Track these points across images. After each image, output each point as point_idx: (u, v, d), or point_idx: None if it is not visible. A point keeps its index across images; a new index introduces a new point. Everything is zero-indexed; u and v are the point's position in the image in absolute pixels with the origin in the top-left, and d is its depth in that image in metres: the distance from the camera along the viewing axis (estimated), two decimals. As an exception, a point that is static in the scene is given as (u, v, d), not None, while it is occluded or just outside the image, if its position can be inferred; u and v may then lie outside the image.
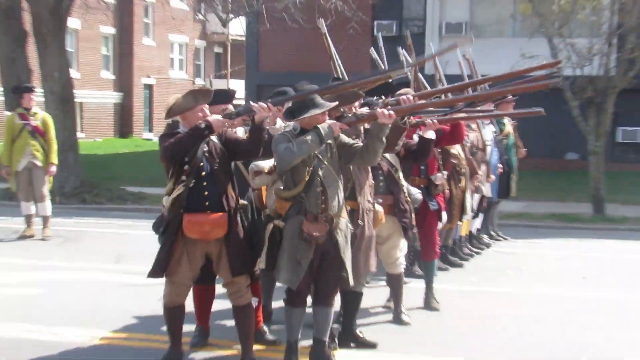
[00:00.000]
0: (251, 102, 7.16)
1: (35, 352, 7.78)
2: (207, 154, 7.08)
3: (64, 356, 7.76)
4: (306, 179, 6.97)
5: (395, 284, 9.17)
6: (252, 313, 7.51)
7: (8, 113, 14.82)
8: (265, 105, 6.90)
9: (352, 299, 8.13)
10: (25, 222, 14.30)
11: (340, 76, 9.26)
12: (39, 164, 13.87)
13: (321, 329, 7.37)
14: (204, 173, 7.03)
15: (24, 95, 14.01)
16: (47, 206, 14.17)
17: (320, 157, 7.04)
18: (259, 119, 6.91)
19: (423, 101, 7.87)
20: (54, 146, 14.14)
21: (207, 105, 7.17)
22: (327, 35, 9.63)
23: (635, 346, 8.48)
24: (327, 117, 7.14)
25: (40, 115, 14.13)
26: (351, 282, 7.25)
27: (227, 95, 8.05)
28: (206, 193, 7.02)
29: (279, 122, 7.72)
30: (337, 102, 7.26)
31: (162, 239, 7.17)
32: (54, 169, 14.23)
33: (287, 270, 7.03)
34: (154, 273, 7.14)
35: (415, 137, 8.73)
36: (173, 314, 7.29)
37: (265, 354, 7.79)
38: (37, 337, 8.32)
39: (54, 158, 14.13)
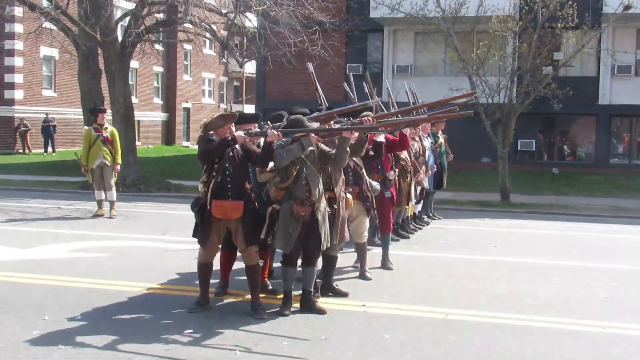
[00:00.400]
0: (267, 128, 7.44)
1: (101, 298, 7.68)
2: (231, 158, 7.16)
3: (123, 302, 7.66)
4: (294, 174, 7.11)
5: (361, 251, 9.17)
6: (259, 271, 7.54)
7: (86, 127, 14.90)
8: (275, 132, 7.05)
9: (330, 261, 8.17)
10: (97, 205, 14.27)
11: (323, 102, 9.22)
12: (108, 163, 13.91)
13: (308, 282, 7.49)
14: (228, 172, 7.11)
15: (98, 115, 14.14)
16: (114, 194, 14.19)
17: (305, 159, 7.16)
18: (269, 140, 7.07)
19: (379, 121, 7.88)
20: (119, 151, 14.26)
21: (233, 125, 7.26)
22: (313, 73, 9.55)
23: (532, 294, 8.40)
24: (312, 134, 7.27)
25: (109, 129, 14.17)
26: (325, 247, 7.34)
27: (255, 118, 8.12)
28: (229, 186, 7.09)
29: None
30: (316, 126, 7.44)
31: (197, 217, 7.26)
32: (118, 167, 14.34)
33: (282, 239, 7.17)
34: (203, 242, 7.27)
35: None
36: (204, 269, 7.38)
37: (268, 301, 7.69)
38: (102, 287, 8.22)
39: (119, 159, 14.25)
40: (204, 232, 7.20)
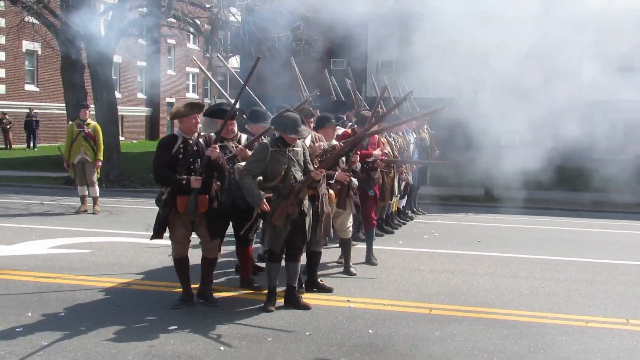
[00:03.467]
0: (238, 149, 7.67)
1: (84, 295, 7.64)
2: (196, 154, 7.15)
3: (106, 298, 7.62)
4: (282, 174, 7.09)
5: (345, 246, 9.19)
6: (215, 264, 7.56)
7: (70, 122, 14.75)
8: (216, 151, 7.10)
9: (314, 257, 8.16)
10: (80, 200, 14.23)
11: (305, 95, 9.28)
12: (89, 159, 13.87)
13: (292, 278, 7.49)
14: (193, 167, 7.12)
15: (81, 110, 14.06)
16: (97, 190, 14.14)
17: (292, 158, 7.18)
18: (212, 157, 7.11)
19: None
20: (101, 147, 14.16)
21: (200, 115, 7.29)
22: (296, 68, 9.59)
23: (516, 288, 8.44)
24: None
25: (92, 124, 14.07)
26: (308, 238, 7.36)
27: (222, 113, 7.82)
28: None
29: (308, 139, 8.11)
30: (308, 133, 7.63)
31: (162, 211, 7.21)
32: (100, 163, 14.21)
33: (273, 238, 7.13)
34: (156, 234, 7.21)
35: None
36: (179, 264, 7.39)
37: (252, 297, 7.69)
38: (85, 284, 8.18)
39: (101, 156, 14.16)
40: (160, 224, 7.15)
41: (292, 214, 7.10)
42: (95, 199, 14.06)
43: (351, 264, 9.13)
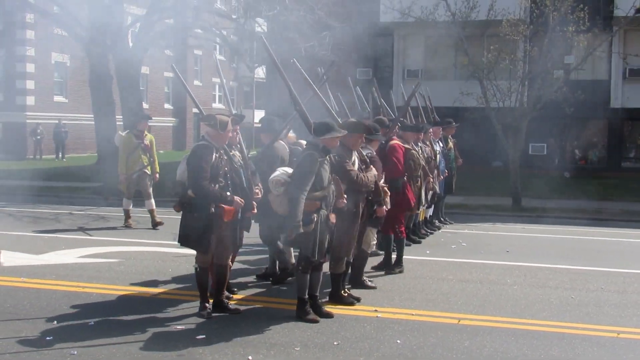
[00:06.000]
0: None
1: (113, 304, 7.70)
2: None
3: (134, 307, 7.65)
4: (329, 184, 7.16)
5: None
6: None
7: (123, 133, 13.85)
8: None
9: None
10: (125, 215, 13.69)
11: (332, 107, 9.28)
12: (148, 172, 13.30)
13: (314, 287, 7.43)
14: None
15: (143, 122, 13.48)
16: (152, 202, 13.48)
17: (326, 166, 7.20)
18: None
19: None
20: (156, 159, 13.59)
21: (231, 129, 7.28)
22: (325, 78, 9.59)
23: (545, 299, 8.36)
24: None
25: (148, 136, 13.45)
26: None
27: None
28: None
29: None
30: (346, 131, 7.41)
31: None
32: (157, 176, 13.62)
33: (318, 247, 7.13)
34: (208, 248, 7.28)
35: None
36: (205, 273, 7.42)
37: (280, 307, 7.69)
38: (114, 292, 8.24)
39: (157, 168, 13.59)
40: (210, 237, 7.17)
41: (333, 223, 7.22)
42: (152, 212, 13.47)
43: (365, 278, 8.91)
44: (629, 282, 9.56)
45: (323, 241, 7.17)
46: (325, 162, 7.17)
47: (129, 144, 13.16)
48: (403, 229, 9.92)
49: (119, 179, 13.52)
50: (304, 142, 8.60)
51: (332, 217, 7.26)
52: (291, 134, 9.56)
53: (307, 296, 7.29)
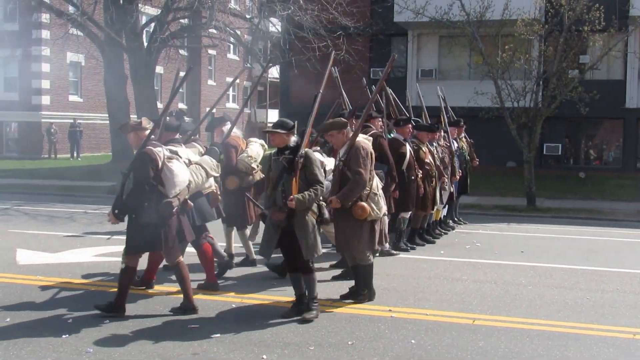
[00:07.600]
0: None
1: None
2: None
3: (149, 305, 7.69)
4: (272, 182, 7.25)
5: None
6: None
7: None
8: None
9: (357, 269, 8.03)
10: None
11: (347, 106, 9.27)
12: None
13: (311, 290, 7.33)
14: None
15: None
16: None
17: (274, 163, 7.31)
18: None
19: None
20: None
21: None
22: (338, 78, 9.58)
23: (561, 299, 8.32)
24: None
25: None
26: (306, 257, 7.11)
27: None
28: None
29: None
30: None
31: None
32: None
33: (264, 245, 7.31)
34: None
35: None
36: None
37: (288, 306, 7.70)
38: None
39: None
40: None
41: (277, 221, 7.09)
42: None
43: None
44: (645, 283, 9.50)
45: (269, 240, 7.19)
46: (280, 160, 7.17)
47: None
48: None
49: None
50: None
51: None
52: (235, 132, 9.65)
53: (301, 293, 7.32)
